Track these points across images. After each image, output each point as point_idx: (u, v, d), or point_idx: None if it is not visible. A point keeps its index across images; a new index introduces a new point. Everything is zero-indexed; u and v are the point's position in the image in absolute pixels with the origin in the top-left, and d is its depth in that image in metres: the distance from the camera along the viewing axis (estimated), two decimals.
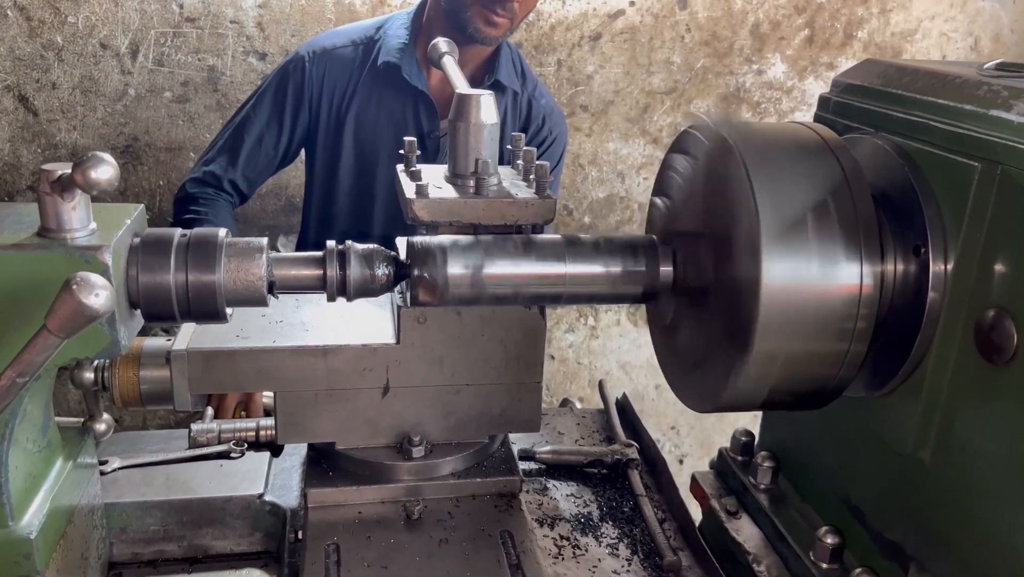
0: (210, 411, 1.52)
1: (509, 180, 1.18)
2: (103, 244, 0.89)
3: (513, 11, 1.95)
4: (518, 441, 1.43)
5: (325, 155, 2.12)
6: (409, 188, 1.11)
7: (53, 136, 2.67)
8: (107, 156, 0.86)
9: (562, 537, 1.23)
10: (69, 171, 0.87)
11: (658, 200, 1.16)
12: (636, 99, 3.04)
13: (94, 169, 0.85)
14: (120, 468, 1.31)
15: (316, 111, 2.08)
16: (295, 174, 2.76)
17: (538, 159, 2.20)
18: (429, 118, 2.08)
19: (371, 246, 1.03)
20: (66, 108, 2.65)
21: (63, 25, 2.56)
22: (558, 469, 1.40)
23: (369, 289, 1.02)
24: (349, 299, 1.02)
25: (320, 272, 1.00)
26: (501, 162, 1.22)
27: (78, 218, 0.89)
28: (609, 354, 3.34)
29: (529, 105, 2.19)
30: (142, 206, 1.01)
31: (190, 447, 1.34)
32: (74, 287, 0.78)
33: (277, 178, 2.66)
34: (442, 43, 1.41)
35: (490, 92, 1.15)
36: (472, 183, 1.12)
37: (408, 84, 2.04)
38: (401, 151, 1.19)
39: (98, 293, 0.78)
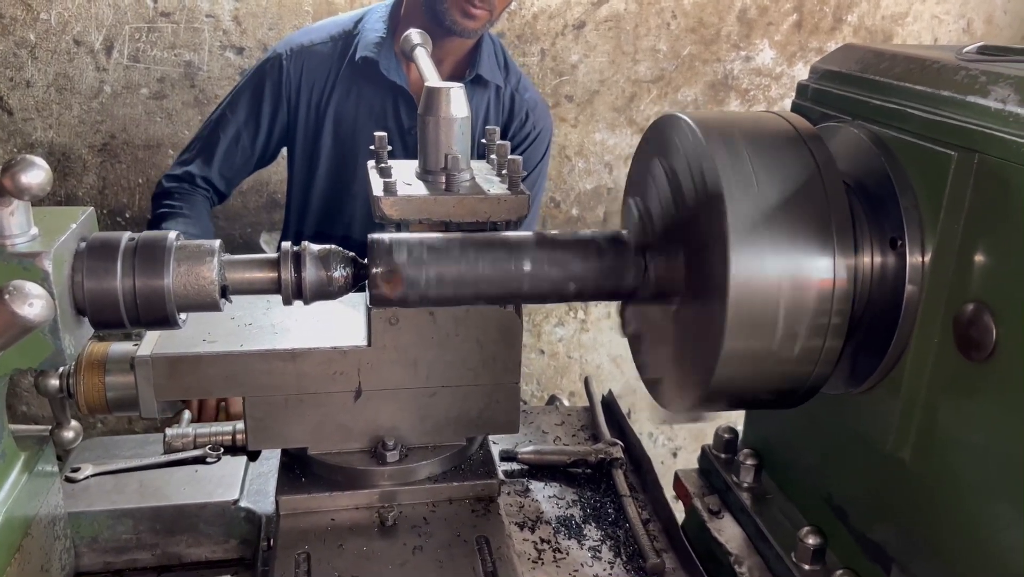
0: (187, 415, 1.50)
1: (482, 175, 1.16)
2: (42, 250, 0.86)
3: (491, 3, 1.92)
4: (500, 441, 1.41)
5: (304, 152, 2.10)
6: (377, 185, 1.09)
7: (29, 135, 2.63)
8: (38, 159, 0.83)
9: (543, 540, 1.21)
10: None
11: (630, 196, 1.13)
12: (622, 88, 3.00)
13: (24, 173, 0.81)
14: (92, 475, 1.29)
15: (295, 109, 2.06)
16: (276, 171, 2.73)
17: (521, 154, 2.18)
18: (408, 113, 2.05)
19: (328, 247, 1.00)
20: (41, 107, 2.60)
21: (35, 22, 2.51)
22: (541, 469, 1.37)
23: (326, 291, 0.99)
24: (306, 302, 0.99)
25: (275, 275, 0.98)
26: (479, 156, 1.19)
27: (17, 223, 0.86)
28: (600, 348, 3.32)
29: (512, 99, 2.16)
30: (91, 209, 0.98)
31: (165, 452, 1.32)
32: (6, 296, 0.75)
33: (258, 175, 2.63)
34: (414, 34, 1.38)
35: (460, 85, 1.12)
36: (443, 179, 1.09)
37: (386, 79, 2.01)
38: (370, 147, 1.17)
39: (32, 302, 0.75)
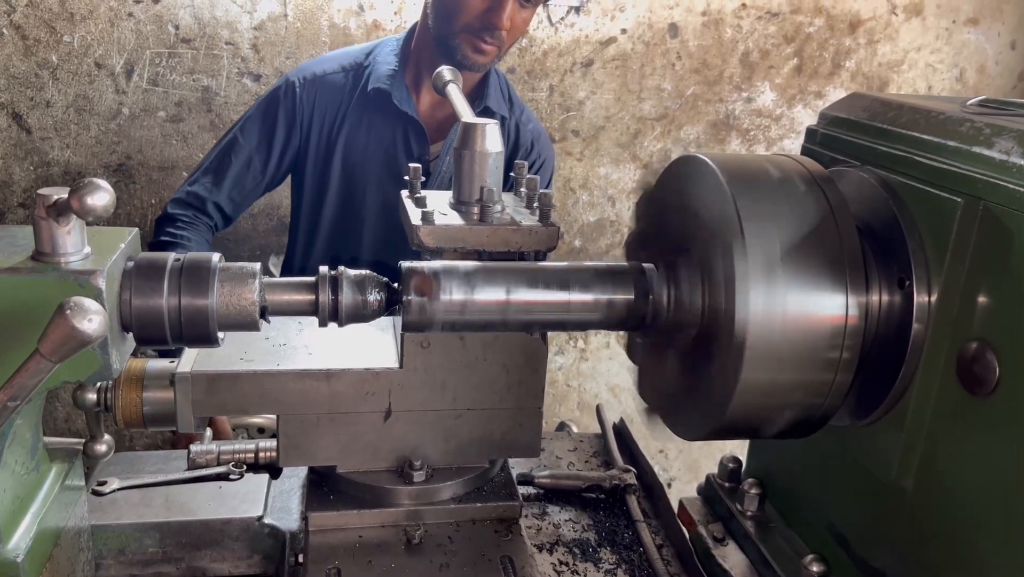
0: (209, 432, 1.53)
1: (512, 207, 1.20)
2: (97, 268, 0.89)
3: (501, 39, 1.98)
4: (517, 465, 1.45)
5: (314, 180, 2.13)
6: (415, 214, 1.12)
7: (46, 154, 2.67)
8: (103, 183, 0.87)
9: (561, 562, 1.24)
10: (65, 196, 0.87)
11: (644, 230, 1.18)
12: (627, 125, 3.09)
13: (90, 195, 0.85)
14: (119, 489, 1.31)
15: (306, 136, 2.10)
16: (287, 195, 2.77)
17: None
18: (419, 143, 2.10)
19: (363, 272, 1.04)
20: (60, 126, 2.65)
21: (58, 44, 2.57)
22: (556, 494, 1.41)
23: (360, 314, 1.02)
24: (340, 324, 1.03)
25: (312, 297, 1.01)
26: (504, 189, 1.25)
27: (72, 242, 0.90)
28: (598, 377, 3.36)
29: (517, 130, 2.22)
30: (136, 230, 1.03)
31: (189, 468, 1.35)
32: (68, 312, 0.77)
33: (269, 198, 2.68)
34: (446, 71, 1.43)
35: (495, 121, 1.17)
36: (477, 210, 1.13)
37: (398, 110, 2.06)
38: (405, 177, 1.21)
39: (91, 318, 0.78)
